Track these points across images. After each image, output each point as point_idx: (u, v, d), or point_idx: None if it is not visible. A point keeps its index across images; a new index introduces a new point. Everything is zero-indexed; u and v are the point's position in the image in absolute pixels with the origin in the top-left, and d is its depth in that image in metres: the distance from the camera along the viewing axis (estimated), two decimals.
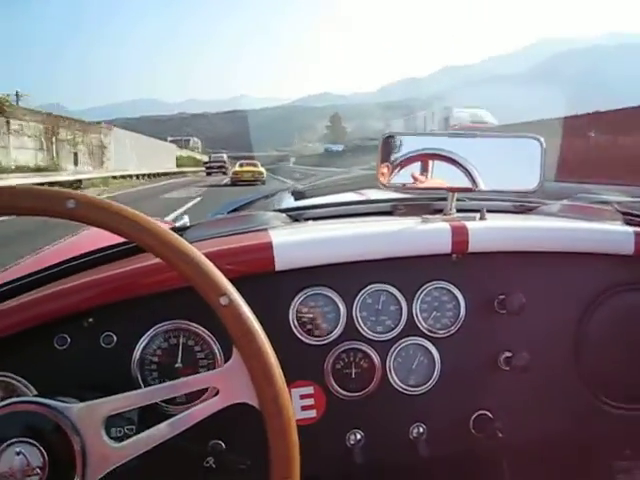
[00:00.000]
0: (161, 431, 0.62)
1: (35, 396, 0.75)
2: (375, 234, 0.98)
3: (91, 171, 27.02)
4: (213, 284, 0.63)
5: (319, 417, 0.95)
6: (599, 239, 1.04)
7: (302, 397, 0.94)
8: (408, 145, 1.06)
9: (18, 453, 0.58)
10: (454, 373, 0.98)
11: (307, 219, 1.20)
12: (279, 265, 0.91)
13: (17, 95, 25.97)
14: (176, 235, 0.64)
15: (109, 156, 31.60)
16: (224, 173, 40.88)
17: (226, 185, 26.67)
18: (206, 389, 0.79)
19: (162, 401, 0.82)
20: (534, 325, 1.01)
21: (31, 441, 0.59)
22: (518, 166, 1.08)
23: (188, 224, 1.09)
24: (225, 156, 50.29)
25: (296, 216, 1.20)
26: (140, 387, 0.85)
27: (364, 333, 0.95)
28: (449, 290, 0.98)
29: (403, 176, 1.06)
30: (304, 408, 0.94)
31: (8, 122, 21.21)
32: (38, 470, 0.59)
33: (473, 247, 0.97)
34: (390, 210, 1.24)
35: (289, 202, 1.50)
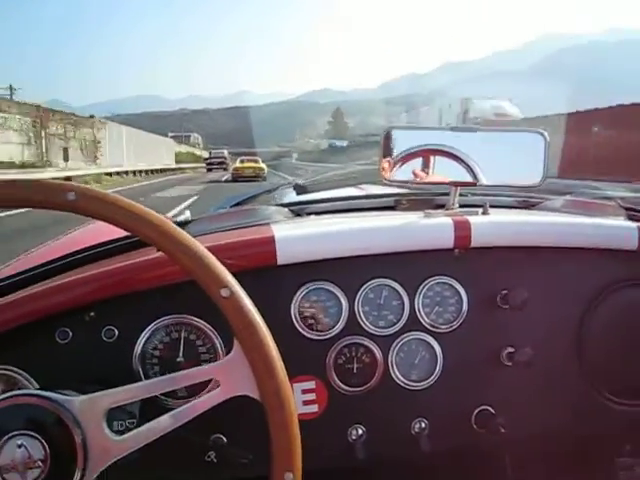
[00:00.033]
0: (162, 424, 0.62)
1: (37, 389, 0.75)
2: (377, 229, 0.98)
3: (83, 167, 25.43)
4: (214, 276, 0.62)
5: (321, 412, 0.95)
6: (602, 234, 1.03)
7: (304, 392, 0.94)
8: (410, 140, 1.06)
9: (20, 446, 0.58)
10: (456, 368, 0.98)
11: (309, 213, 1.19)
12: (281, 259, 0.90)
13: (11, 89, 25.11)
14: (178, 228, 0.64)
15: (103, 152, 30.06)
16: (225, 169, 40.82)
17: (227, 181, 26.51)
18: (207, 382, 0.79)
19: (163, 394, 0.82)
20: (537, 320, 1.01)
21: (33, 434, 0.59)
22: (521, 161, 1.08)
23: (190, 218, 1.09)
24: (226, 152, 50.25)
25: (298, 210, 1.20)
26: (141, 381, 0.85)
27: (366, 328, 0.95)
28: (451, 285, 0.98)
29: (405, 171, 1.06)
30: (306, 403, 0.94)
31: None
32: (40, 463, 0.59)
33: (476, 242, 0.97)
34: (392, 205, 1.24)
35: (291, 197, 1.50)
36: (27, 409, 0.61)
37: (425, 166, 1.06)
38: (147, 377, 0.87)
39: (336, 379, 0.95)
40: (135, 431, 0.62)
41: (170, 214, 1.40)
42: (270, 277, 0.92)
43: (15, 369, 0.82)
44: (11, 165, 19.38)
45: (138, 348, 0.87)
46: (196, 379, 0.66)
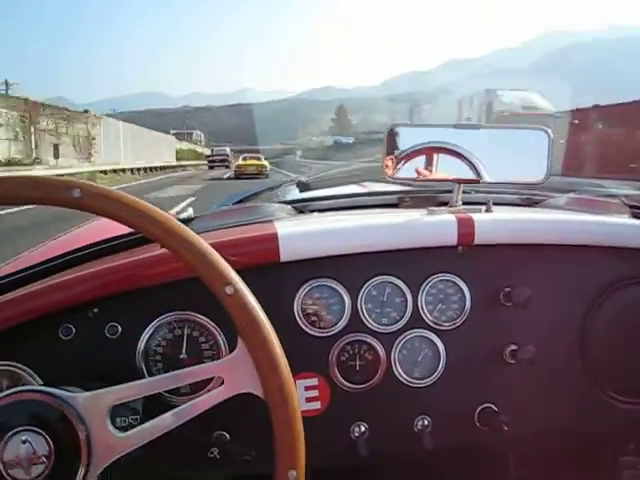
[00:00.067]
0: (166, 421, 0.62)
1: (40, 385, 0.75)
2: (380, 226, 0.98)
3: (76, 165, 23.90)
4: (218, 273, 0.62)
5: (323, 409, 0.95)
6: (606, 232, 1.03)
7: (306, 389, 0.94)
8: (413, 137, 1.06)
9: (24, 441, 0.59)
10: (459, 366, 0.98)
11: (312, 211, 1.19)
12: (284, 256, 0.90)
13: (6, 84, 23.85)
14: (182, 225, 0.64)
15: (98, 148, 28.34)
16: (227, 167, 40.69)
17: (229, 179, 26.32)
18: (211, 379, 0.79)
19: (167, 392, 0.82)
20: (540, 318, 1.00)
21: (37, 430, 0.59)
22: (525, 158, 1.08)
23: (193, 215, 1.09)
24: (228, 149, 50.05)
25: (301, 208, 1.20)
26: (145, 378, 0.85)
27: (369, 325, 0.95)
28: (454, 282, 0.98)
29: (408, 169, 1.05)
30: (308, 400, 0.94)
31: None
32: (44, 459, 0.59)
33: (479, 239, 0.97)
34: (396, 202, 1.24)
35: (294, 194, 1.49)
36: (31, 405, 0.61)
37: (428, 163, 1.06)
38: (150, 374, 0.87)
39: (339, 376, 0.95)
40: (139, 428, 0.62)
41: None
42: (273, 274, 0.92)
43: (19, 365, 0.82)
44: None
45: (141, 345, 0.87)
46: (200, 376, 0.66)
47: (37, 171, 17.57)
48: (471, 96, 24.00)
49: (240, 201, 1.42)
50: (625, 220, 1.07)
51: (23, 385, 0.80)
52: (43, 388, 0.63)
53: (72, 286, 0.84)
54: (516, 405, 1.00)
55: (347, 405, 0.95)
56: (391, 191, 1.35)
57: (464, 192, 1.07)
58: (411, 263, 0.97)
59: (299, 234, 0.94)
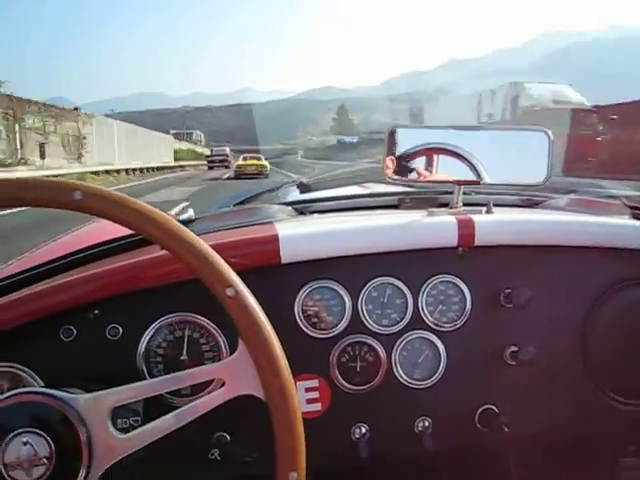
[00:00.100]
0: (167, 422, 0.62)
1: (42, 387, 0.75)
2: (381, 227, 0.98)
3: (65, 165, 22.20)
4: (219, 275, 0.62)
5: (324, 410, 0.95)
6: (606, 233, 1.03)
7: (307, 390, 0.94)
8: (414, 139, 1.06)
9: (25, 443, 0.59)
10: (460, 367, 0.98)
11: (313, 212, 1.19)
12: (285, 258, 0.90)
13: None
14: (183, 227, 0.64)
15: (89, 148, 26.27)
16: (227, 167, 40.51)
17: (229, 178, 26.17)
18: (212, 381, 0.79)
19: (167, 393, 0.82)
20: (540, 319, 1.00)
21: (38, 431, 0.59)
22: (525, 159, 1.08)
23: (193, 217, 1.09)
24: (228, 149, 49.77)
25: (302, 209, 1.20)
26: (146, 379, 0.85)
27: (369, 326, 0.95)
28: (455, 284, 0.98)
29: (409, 170, 1.06)
30: (309, 401, 0.94)
31: None
32: (45, 460, 0.59)
33: (479, 240, 0.97)
34: (396, 203, 1.24)
35: (295, 195, 1.49)
36: (32, 407, 0.61)
37: (429, 165, 1.06)
38: (151, 375, 0.87)
39: (339, 377, 0.95)
40: (140, 429, 0.62)
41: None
42: (274, 276, 0.92)
43: (20, 367, 0.82)
44: None
45: (142, 346, 0.87)
46: (201, 378, 0.66)
47: (20, 172, 16.51)
48: (493, 90, 20.98)
49: (241, 202, 1.42)
50: (625, 221, 1.07)
51: (24, 387, 0.81)
52: (44, 390, 0.63)
53: (73, 287, 0.84)
54: (517, 406, 1.00)
55: (348, 406, 0.95)
56: (391, 192, 1.35)
57: (464, 193, 1.07)
58: (411, 264, 0.97)
59: (300, 235, 0.94)
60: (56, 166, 20.75)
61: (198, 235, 0.65)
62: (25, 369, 0.82)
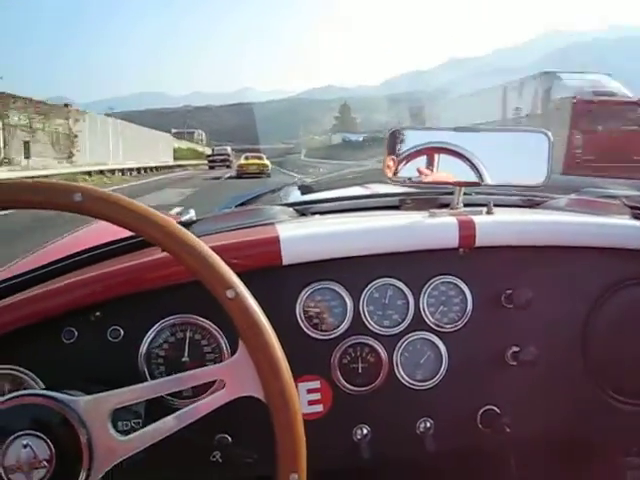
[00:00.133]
0: (167, 424, 0.62)
1: (42, 389, 0.75)
2: (382, 228, 0.98)
3: (53, 165, 20.96)
4: (219, 277, 0.62)
5: (325, 412, 0.95)
6: (607, 233, 1.03)
7: (309, 391, 0.94)
8: (414, 139, 1.06)
9: (25, 446, 0.59)
10: (461, 368, 0.98)
11: (314, 213, 1.19)
12: (286, 259, 0.90)
13: None
14: (183, 229, 0.64)
15: (81, 147, 24.70)
16: (228, 167, 40.34)
17: (230, 178, 26.07)
18: (213, 383, 0.79)
19: (168, 395, 0.82)
20: (541, 320, 1.00)
21: (38, 434, 0.59)
22: (525, 160, 1.08)
23: (194, 218, 1.09)
24: (229, 149, 49.51)
25: (303, 210, 1.20)
26: (147, 381, 0.85)
27: (371, 327, 0.95)
28: (456, 284, 0.98)
29: (409, 170, 1.06)
30: (310, 403, 0.94)
31: None
32: (45, 463, 0.59)
33: (480, 241, 0.97)
34: (397, 204, 1.24)
35: (296, 196, 1.50)
36: (33, 409, 0.61)
37: (429, 165, 1.06)
38: (152, 377, 0.87)
39: (341, 379, 0.95)
40: (141, 431, 0.62)
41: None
42: (275, 277, 0.92)
43: (21, 369, 0.82)
44: None
45: (143, 348, 0.87)
46: (202, 379, 0.66)
47: (2, 173, 15.07)
48: (520, 81, 17.76)
49: (242, 204, 1.42)
50: (626, 221, 1.07)
51: (25, 389, 0.80)
52: (45, 392, 0.63)
53: (73, 290, 0.84)
54: (518, 407, 1.00)
55: (349, 408, 0.95)
56: (392, 193, 1.35)
57: (465, 194, 1.07)
58: (412, 265, 0.97)
59: (301, 237, 0.94)
60: (42, 166, 19.57)
61: (199, 237, 0.65)
62: (26, 371, 0.82)
